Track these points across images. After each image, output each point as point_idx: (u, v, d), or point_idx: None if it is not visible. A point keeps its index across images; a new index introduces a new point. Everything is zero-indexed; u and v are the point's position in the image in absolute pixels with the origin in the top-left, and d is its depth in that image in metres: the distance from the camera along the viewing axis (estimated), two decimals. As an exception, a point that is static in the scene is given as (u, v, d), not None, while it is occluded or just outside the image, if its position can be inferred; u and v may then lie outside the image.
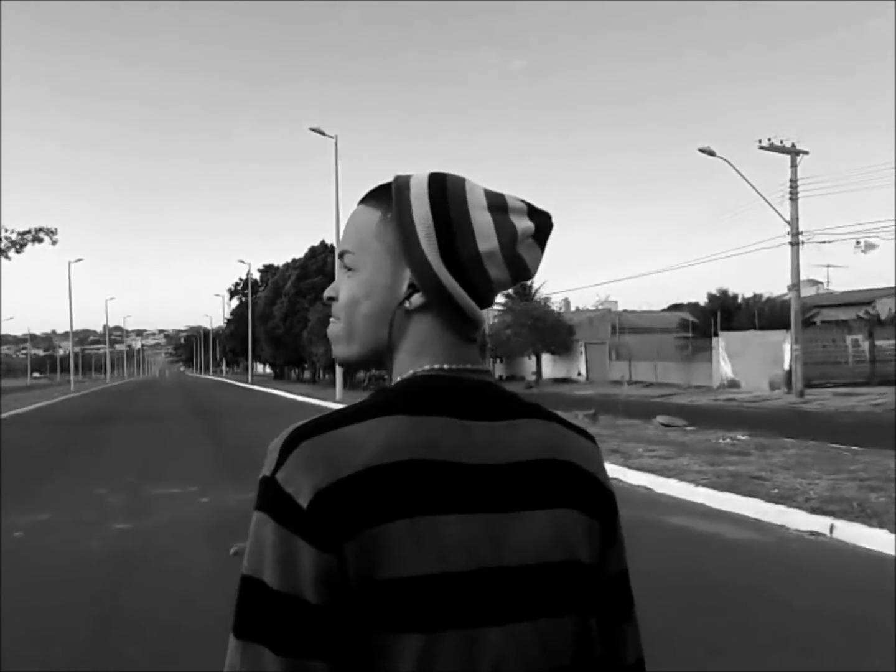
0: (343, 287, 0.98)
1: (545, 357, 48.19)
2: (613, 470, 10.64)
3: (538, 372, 47.37)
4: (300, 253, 56.80)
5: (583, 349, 47.37)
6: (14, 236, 26.25)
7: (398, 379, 0.95)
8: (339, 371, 31.71)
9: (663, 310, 63.42)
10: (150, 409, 28.91)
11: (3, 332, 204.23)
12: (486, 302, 0.97)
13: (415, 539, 0.83)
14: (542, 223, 0.97)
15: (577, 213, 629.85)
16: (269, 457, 0.86)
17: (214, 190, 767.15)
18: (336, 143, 30.35)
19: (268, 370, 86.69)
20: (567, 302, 62.51)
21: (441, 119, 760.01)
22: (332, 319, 1.01)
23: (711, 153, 27.35)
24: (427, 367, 0.94)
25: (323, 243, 50.77)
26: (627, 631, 1.02)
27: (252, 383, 59.87)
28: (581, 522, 0.94)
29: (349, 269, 0.98)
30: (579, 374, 47.11)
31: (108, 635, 4.75)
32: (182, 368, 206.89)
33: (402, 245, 0.94)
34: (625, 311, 58.31)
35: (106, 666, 4.25)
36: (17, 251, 26.42)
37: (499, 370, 54.35)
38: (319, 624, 0.81)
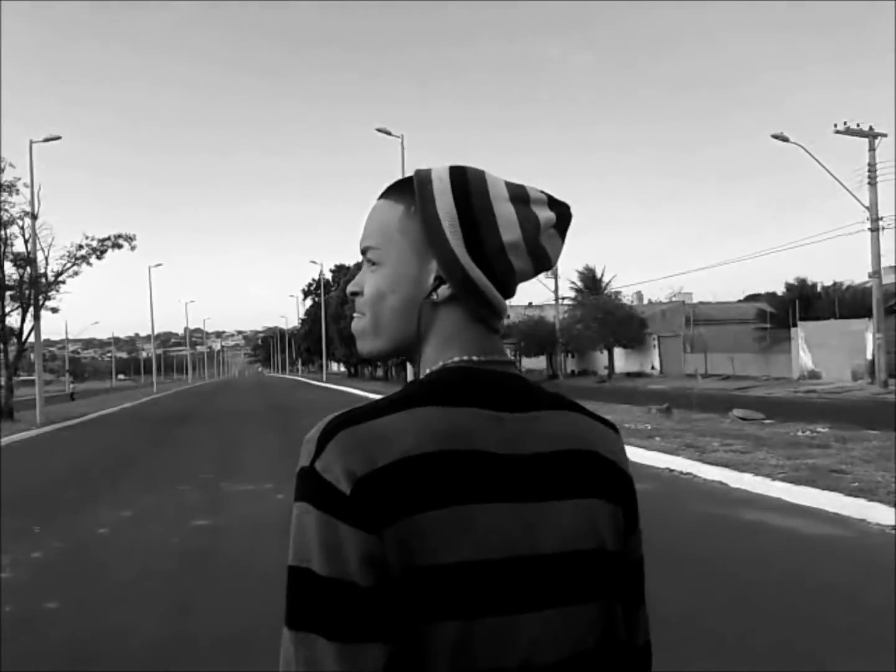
0: (368, 282, 0.99)
1: (617, 351, 47.63)
2: (687, 465, 10.48)
3: (610, 366, 46.84)
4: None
5: (656, 342, 46.67)
6: (95, 243, 27.25)
7: (427, 371, 0.95)
8: (409, 369, 31.93)
9: (739, 300, 61.97)
10: (228, 409, 29.64)
11: (89, 336, 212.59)
12: (510, 293, 0.99)
13: (452, 527, 0.84)
14: (563, 213, 0.98)
15: (648, 205, 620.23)
16: (305, 448, 0.88)
17: (288, 192, 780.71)
18: (402, 143, 30.61)
19: (342, 368, 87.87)
20: (640, 295, 61.62)
21: (506, 111, 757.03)
22: (356, 315, 1.02)
23: (785, 139, 26.61)
24: (456, 359, 0.95)
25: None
26: (641, 616, 1.05)
27: (326, 381, 60.84)
28: (606, 511, 0.95)
29: (373, 264, 0.99)
30: (653, 367, 46.40)
31: (184, 629, 4.91)
32: (260, 369, 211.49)
33: (428, 238, 0.95)
34: (700, 302, 57.15)
35: (181, 659, 4.40)
36: (98, 257, 27.40)
37: (570, 365, 53.94)
38: (370, 607, 0.82)
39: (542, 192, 0.99)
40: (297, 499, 0.86)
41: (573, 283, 55.70)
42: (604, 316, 44.69)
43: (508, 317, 1.02)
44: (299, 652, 0.82)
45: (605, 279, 55.04)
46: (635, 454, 11.82)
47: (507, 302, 0.99)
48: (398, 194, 0.99)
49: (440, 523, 0.84)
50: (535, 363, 58.28)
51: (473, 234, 0.94)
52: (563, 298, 53.88)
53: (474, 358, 0.95)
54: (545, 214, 0.96)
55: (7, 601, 5.54)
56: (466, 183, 0.96)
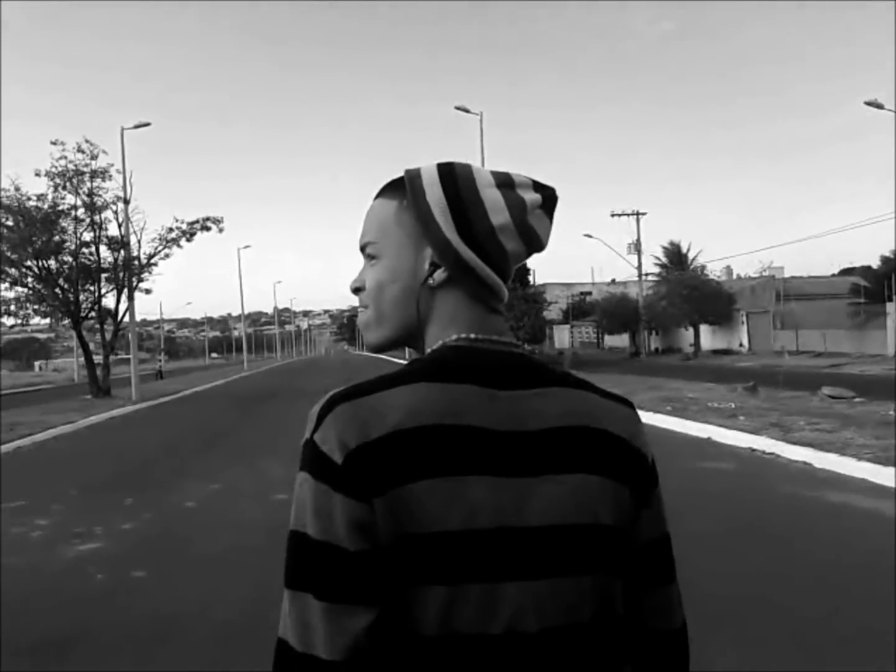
0: (368, 276, 1.04)
1: (704, 328, 46.52)
2: (770, 445, 10.23)
3: (696, 344, 45.81)
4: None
5: (744, 319, 45.37)
6: (184, 226, 28.12)
7: (428, 350, 1.01)
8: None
9: (833, 275, 59.65)
10: (313, 385, 30.20)
11: (184, 316, 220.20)
12: (505, 274, 1.02)
13: (439, 498, 0.88)
14: (548, 195, 1.02)
15: (739, 178, 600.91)
16: (309, 421, 0.94)
17: (368, 171, 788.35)
18: (481, 120, 30.46)
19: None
20: (729, 270, 59.94)
21: (587, 86, 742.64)
22: (360, 309, 1.07)
23: (880, 106, 25.38)
24: (454, 338, 0.99)
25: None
26: (671, 594, 1.05)
27: (407, 360, 61.28)
28: (607, 487, 0.97)
29: (372, 259, 1.04)
30: (741, 345, 45.17)
31: (264, 599, 5.08)
32: (345, 347, 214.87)
33: (421, 226, 1.00)
34: (792, 277, 55.28)
35: (262, 633, 4.56)
36: (188, 240, 28.28)
37: (654, 343, 53.01)
38: (357, 571, 0.87)
39: (526, 177, 1.03)
40: (300, 468, 0.93)
41: (658, 258, 54.62)
42: (689, 292, 43.65)
43: (503, 301, 1.04)
44: (293, 609, 0.89)
45: (692, 254, 53.79)
46: (716, 433, 11.61)
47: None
48: (392, 192, 1.04)
49: (429, 494, 0.88)
50: (617, 341, 57.53)
51: (463, 219, 0.98)
52: (647, 275, 52.92)
53: (472, 336, 0.99)
54: (531, 196, 1.00)
55: (99, 570, 5.86)
56: (454, 174, 1.01)
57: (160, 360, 58.95)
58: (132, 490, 9.11)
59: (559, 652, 0.93)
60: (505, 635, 0.90)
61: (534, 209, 1.00)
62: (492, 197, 0.99)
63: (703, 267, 50.54)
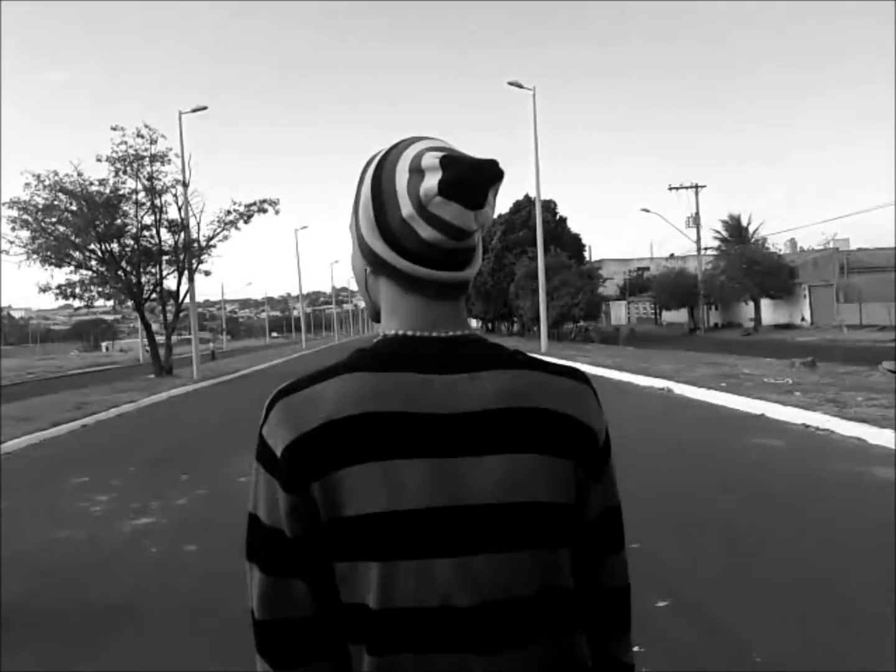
0: None
1: (764, 302, 45.55)
2: (824, 421, 10.02)
3: (756, 318, 44.89)
4: (506, 209, 57.24)
5: (806, 292, 44.24)
6: (241, 208, 28.55)
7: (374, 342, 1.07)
8: (543, 324, 31.86)
9: (901, 246, 57.58)
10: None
11: (245, 296, 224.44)
12: (435, 263, 1.00)
13: (369, 481, 0.94)
14: (451, 178, 0.95)
15: (807, 148, 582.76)
16: (262, 413, 1.02)
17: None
18: (534, 96, 30.14)
19: (479, 324, 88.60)
20: (793, 242, 58.44)
21: (644, 55, 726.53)
22: None
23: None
24: (392, 332, 1.04)
25: (527, 197, 50.67)
26: (615, 562, 1.10)
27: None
28: (545, 465, 0.99)
29: None
30: (802, 319, 44.11)
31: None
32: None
33: (352, 219, 1.07)
34: (858, 249, 53.60)
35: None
36: (245, 222, 28.71)
37: (713, 317, 52.08)
38: (295, 551, 0.99)
39: (442, 156, 0.97)
40: (255, 457, 1.02)
41: (718, 232, 53.53)
42: (749, 266, 42.76)
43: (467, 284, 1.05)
44: (249, 578, 1.03)
45: (753, 227, 52.57)
46: (770, 409, 11.42)
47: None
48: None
49: (360, 478, 0.95)
50: (675, 317, 56.67)
51: (382, 210, 1.00)
52: (707, 249, 51.94)
53: (409, 333, 1.02)
54: (427, 184, 0.96)
55: (153, 543, 6.10)
56: (385, 160, 1.02)
57: (212, 342, 60.18)
58: (188, 466, 9.40)
59: (495, 625, 0.97)
60: (440, 609, 0.95)
61: (430, 198, 0.96)
62: (402, 184, 0.98)
63: (765, 240, 49.43)
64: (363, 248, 1.04)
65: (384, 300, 1.06)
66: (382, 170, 1.01)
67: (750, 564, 4.93)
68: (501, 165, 0.98)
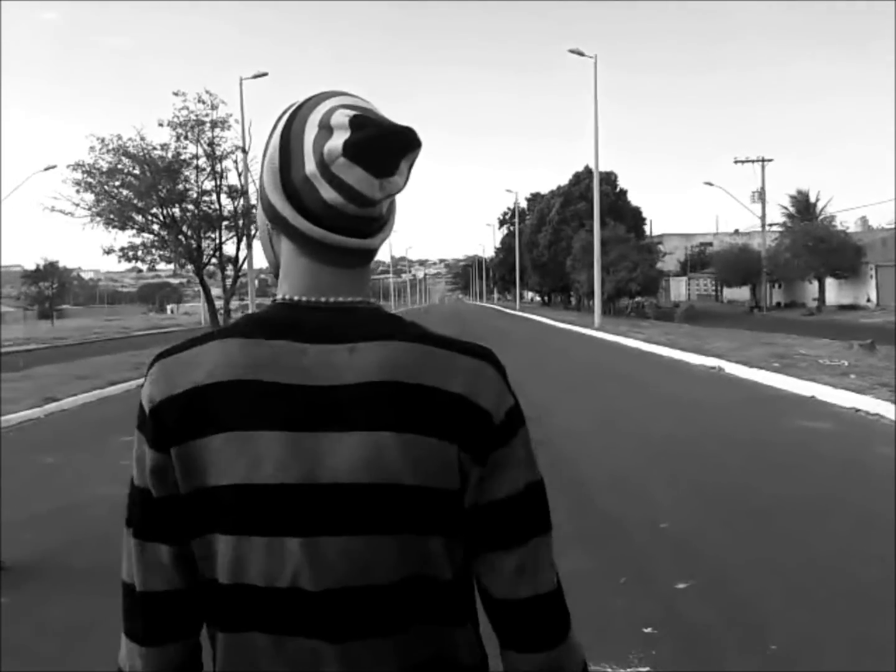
0: None
1: (829, 282, 44.28)
2: (874, 405, 9.74)
3: (820, 298, 43.67)
4: (566, 180, 56.58)
5: (873, 272, 42.81)
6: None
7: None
8: (597, 298, 31.54)
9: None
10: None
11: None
12: (335, 226, 0.94)
13: (229, 452, 0.92)
14: (358, 140, 0.90)
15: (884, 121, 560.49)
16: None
17: (478, 118, 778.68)
18: (595, 64, 29.60)
19: (536, 297, 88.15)
20: (864, 220, 56.57)
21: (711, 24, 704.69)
22: None
23: None
24: (280, 297, 0.99)
25: (587, 168, 49.94)
26: (505, 560, 0.97)
27: (520, 310, 61.37)
28: (416, 445, 0.91)
29: None
30: (868, 300, 42.73)
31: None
32: (459, 296, 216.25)
33: (259, 174, 1.02)
34: (932, 227, 51.56)
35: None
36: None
37: (776, 296, 50.87)
38: (159, 513, 0.97)
39: (354, 115, 0.92)
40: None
41: (784, 207, 52.09)
42: (815, 244, 41.51)
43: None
44: (124, 542, 1.02)
45: (821, 204, 51.03)
46: (821, 392, 11.15)
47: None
48: None
49: (218, 448, 0.92)
50: (737, 294, 55.50)
51: (287, 166, 0.95)
52: (772, 225, 50.60)
53: (295, 298, 0.97)
54: (332, 143, 0.91)
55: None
56: (297, 112, 0.97)
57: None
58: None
59: (347, 612, 0.92)
60: (290, 591, 0.92)
61: (333, 158, 0.91)
62: (309, 139, 0.93)
63: (833, 217, 47.93)
64: (264, 201, 0.99)
65: (283, 261, 1.00)
66: (293, 121, 0.96)
67: (779, 551, 4.86)
68: (419, 135, 0.92)
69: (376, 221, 0.97)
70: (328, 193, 0.92)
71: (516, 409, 0.99)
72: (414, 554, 0.93)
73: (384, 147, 0.91)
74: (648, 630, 3.67)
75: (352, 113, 0.92)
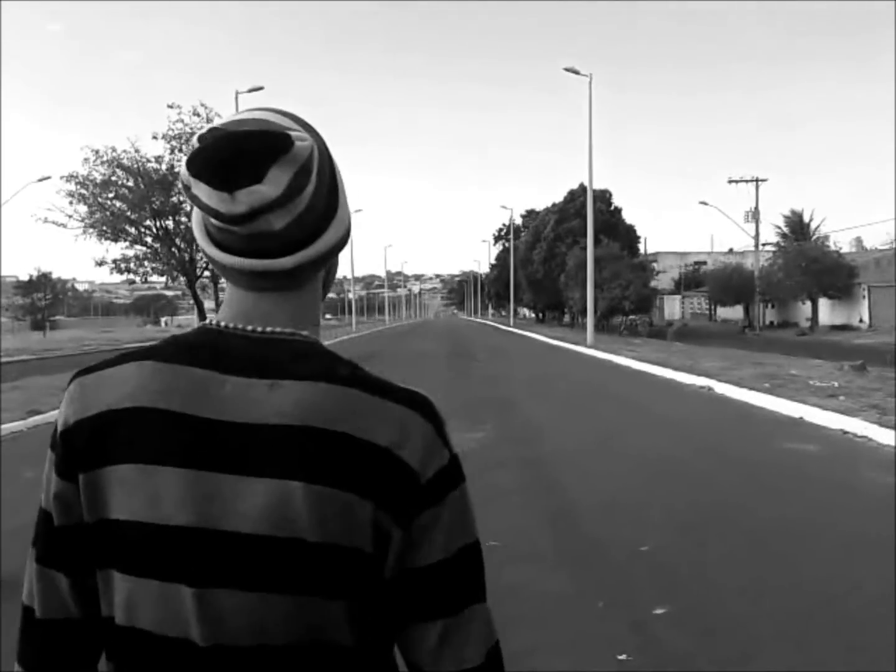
0: None
1: (822, 302, 44.42)
2: (863, 428, 9.70)
3: (813, 318, 43.80)
4: (560, 197, 56.74)
5: (866, 293, 42.97)
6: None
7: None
8: (590, 316, 31.53)
9: (972, 248, 55.51)
10: (413, 350, 30.59)
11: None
12: (233, 248, 0.88)
13: (130, 485, 0.86)
14: (192, 154, 0.85)
15: (875, 141, 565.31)
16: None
17: (475, 135, 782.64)
18: (590, 82, 29.75)
19: (530, 314, 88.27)
20: (859, 241, 56.92)
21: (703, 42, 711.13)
22: None
23: None
24: (208, 321, 0.94)
25: (581, 186, 50.11)
26: (430, 631, 0.88)
27: (514, 327, 61.38)
28: (325, 499, 0.83)
29: None
30: (861, 320, 42.88)
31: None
32: (454, 311, 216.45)
33: None
34: (925, 249, 51.82)
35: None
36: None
37: (769, 316, 51.00)
38: (60, 542, 0.93)
39: (209, 128, 0.86)
40: None
41: (778, 227, 52.34)
42: (808, 264, 41.68)
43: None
44: (28, 561, 0.97)
45: (815, 224, 51.25)
46: (809, 414, 11.11)
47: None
48: None
49: (122, 479, 0.86)
50: (730, 313, 55.65)
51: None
52: (766, 244, 50.82)
53: (222, 324, 0.91)
54: (184, 168, 0.87)
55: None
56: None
57: None
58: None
59: (235, 670, 0.85)
60: (179, 641, 0.86)
61: (186, 178, 0.86)
62: None
63: (826, 237, 48.17)
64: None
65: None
66: None
67: (761, 574, 4.80)
68: (286, 137, 0.84)
69: (275, 238, 0.87)
70: (198, 215, 0.90)
71: (451, 466, 0.90)
72: (313, 616, 0.86)
73: (219, 158, 0.83)
74: (623, 657, 3.60)
75: (209, 127, 0.86)
